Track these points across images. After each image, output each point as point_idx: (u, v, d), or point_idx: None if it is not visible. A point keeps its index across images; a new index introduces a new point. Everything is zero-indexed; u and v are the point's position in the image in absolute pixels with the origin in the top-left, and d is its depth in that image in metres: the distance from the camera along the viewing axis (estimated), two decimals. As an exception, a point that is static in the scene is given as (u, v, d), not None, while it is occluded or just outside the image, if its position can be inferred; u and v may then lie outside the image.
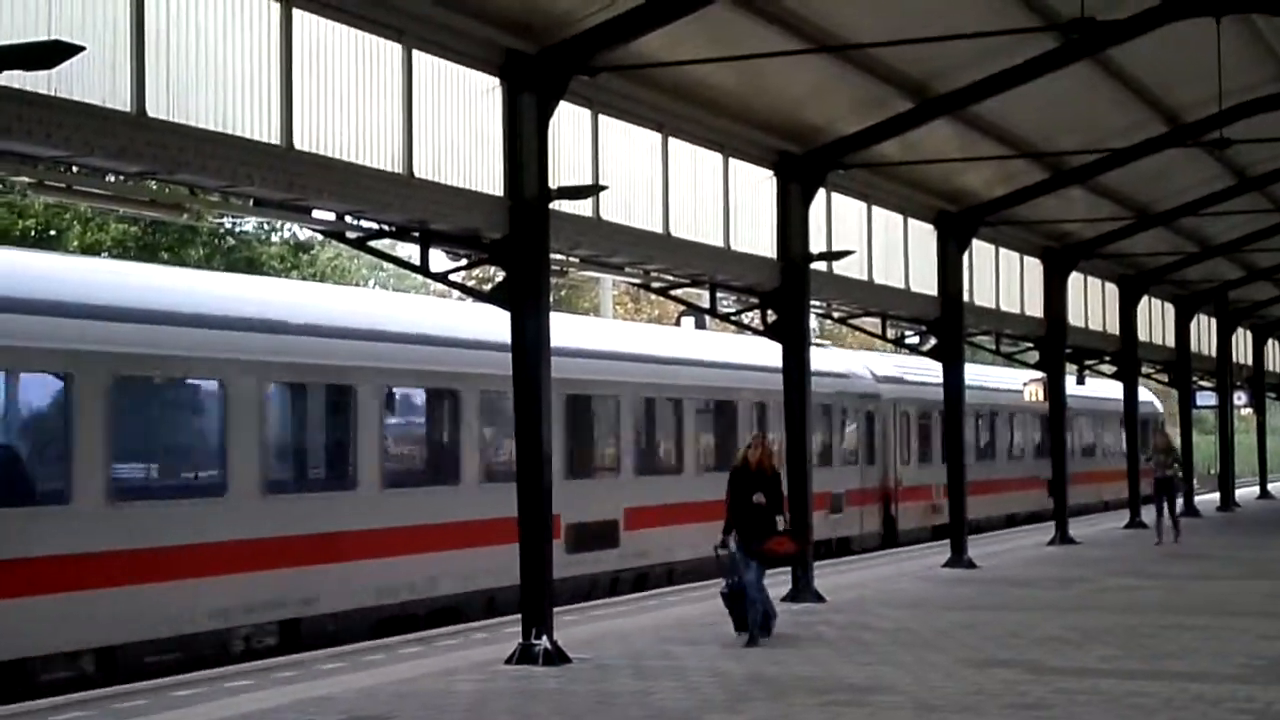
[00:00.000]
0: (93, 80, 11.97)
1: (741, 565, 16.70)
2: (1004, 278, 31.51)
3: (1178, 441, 38.18)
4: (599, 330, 29.00)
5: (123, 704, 13.28)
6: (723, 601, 16.99)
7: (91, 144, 12.08)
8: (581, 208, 17.57)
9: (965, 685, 13.71)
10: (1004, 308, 31.48)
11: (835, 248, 23.21)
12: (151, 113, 12.44)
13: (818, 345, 31.59)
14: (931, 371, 30.75)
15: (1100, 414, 48.13)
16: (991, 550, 29.66)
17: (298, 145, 13.86)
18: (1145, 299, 39.50)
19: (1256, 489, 54.60)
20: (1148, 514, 33.88)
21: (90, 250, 34.72)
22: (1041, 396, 37.63)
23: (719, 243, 20.81)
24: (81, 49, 11.26)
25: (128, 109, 12.28)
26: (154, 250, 36.60)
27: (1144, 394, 50.03)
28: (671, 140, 19.68)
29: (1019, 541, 33.02)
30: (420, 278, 17.94)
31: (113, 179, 14.08)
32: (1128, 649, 16.05)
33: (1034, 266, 32.86)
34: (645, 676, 14.43)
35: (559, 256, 18.10)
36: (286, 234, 43.38)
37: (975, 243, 28.58)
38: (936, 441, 34.62)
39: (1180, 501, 34.52)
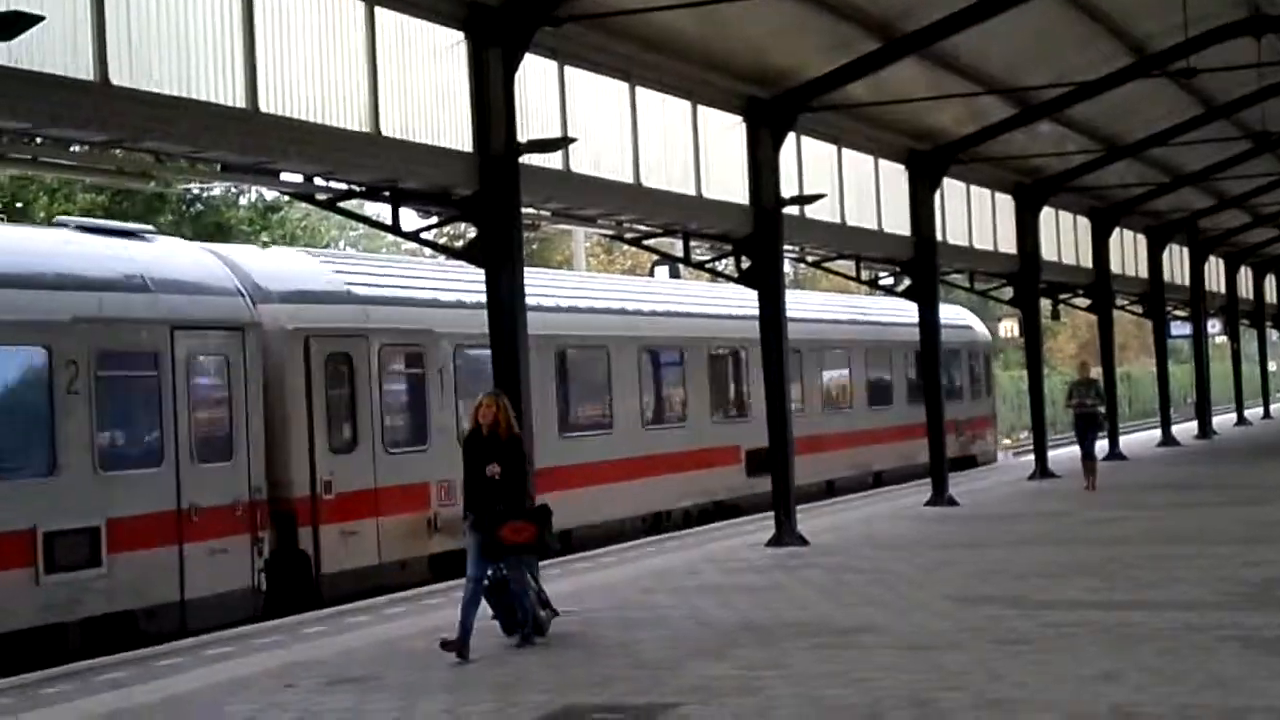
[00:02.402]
0: (54, 50, 11.86)
1: (472, 554, 13.74)
2: (976, 215, 31.50)
3: (1096, 372, 32.94)
4: None
5: (104, 675, 13.25)
6: (483, 597, 13.80)
7: (55, 115, 11.99)
8: (551, 161, 17.49)
9: (952, 623, 13.75)
10: (977, 245, 31.48)
11: (807, 191, 23.16)
12: (115, 81, 12.33)
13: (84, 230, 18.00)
14: (417, 275, 22.45)
15: (880, 346, 35.46)
16: (972, 488, 29.76)
17: (263, 108, 13.76)
18: (1117, 231, 39.54)
19: (1233, 416, 54.87)
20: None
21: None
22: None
23: (690, 191, 20.75)
24: (41, 19, 11.16)
25: (90, 78, 12.17)
26: (123, 219, 36.34)
27: (957, 314, 40.12)
28: (639, 89, 19.59)
29: (999, 478, 33.11)
30: (392, 236, 17.95)
31: (78, 149, 13.96)
32: (1112, 580, 16.10)
33: (1005, 203, 32.84)
34: (632, 627, 14.43)
35: (530, 210, 18.04)
36: (254, 196, 43.17)
37: (946, 181, 28.54)
38: (433, 406, 20.89)
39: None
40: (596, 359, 24.50)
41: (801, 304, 31.55)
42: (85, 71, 12.15)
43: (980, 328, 41.27)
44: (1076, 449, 28.80)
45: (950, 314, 38.73)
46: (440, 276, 22.79)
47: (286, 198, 36.58)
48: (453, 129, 16.02)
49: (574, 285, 26.51)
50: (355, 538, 19.04)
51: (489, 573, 13.66)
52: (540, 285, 23.33)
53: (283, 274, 19.55)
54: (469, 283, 22.65)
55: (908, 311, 35.39)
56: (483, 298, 21.05)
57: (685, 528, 24.81)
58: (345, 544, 18.89)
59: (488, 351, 21.45)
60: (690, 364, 27.56)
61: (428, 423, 20.71)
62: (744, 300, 29.51)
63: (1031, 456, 33.80)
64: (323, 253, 22.96)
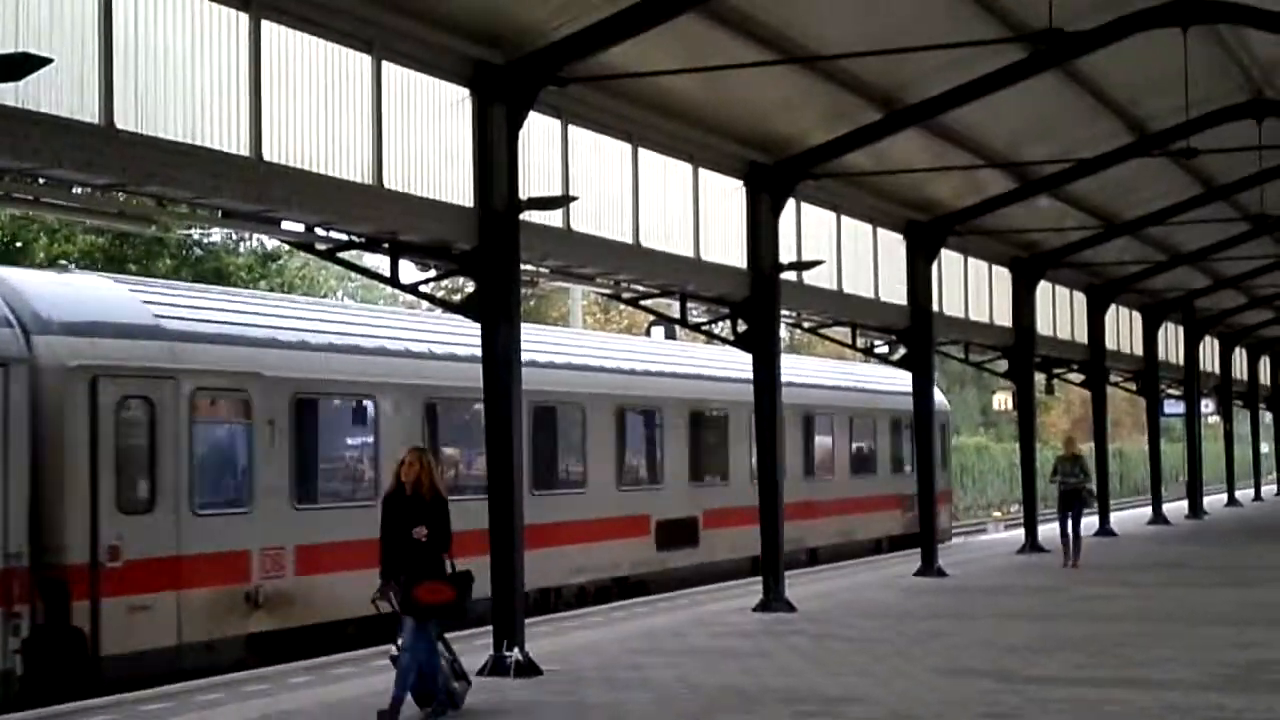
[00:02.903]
0: (61, 92, 11.91)
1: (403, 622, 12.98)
2: (973, 287, 31.58)
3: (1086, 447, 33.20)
4: None
5: (88, 719, 13.19)
6: (393, 666, 13.15)
7: (59, 156, 12.01)
8: (552, 218, 17.56)
9: (938, 695, 13.71)
10: (973, 317, 31.55)
11: (805, 258, 23.23)
12: (120, 125, 12.37)
13: None
14: (250, 311, 19.44)
15: (818, 411, 32.57)
16: (961, 559, 29.70)
17: (267, 157, 13.80)
18: (1113, 308, 39.66)
19: (1224, 496, 54.85)
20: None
21: (57, 262, 34.57)
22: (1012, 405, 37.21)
23: (689, 253, 20.81)
24: (49, 61, 11.22)
25: (96, 121, 12.21)
26: (121, 262, 36.44)
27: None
28: (641, 150, 19.67)
29: (989, 550, 33.05)
30: (389, 288, 17.92)
31: (80, 191, 14.01)
32: (1099, 657, 16.07)
33: (1002, 276, 32.93)
34: (617, 688, 14.40)
35: (529, 267, 18.08)
36: (254, 244, 43.29)
37: (944, 252, 28.65)
38: (260, 461, 18.16)
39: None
40: (471, 414, 20.57)
41: (731, 362, 28.02)
42: (91, 115, 12.20)
43: (937, 395, 37.73)
44: (1053, 526, 28.59)
45: (904, 379, 35.62)
46: (280, 313, 20.01)
47: (287, 246, 36.67)
48: (455, 184, 16.08)
49: (450, 330, 22.04)
50: (147, 613, 16.23)
51: (398, 642, 12.91)
52: (411, 327, 21.63)
53: (71, 302, 16.76)
54: (317, 321, 20.29)
55: (851, 374, 34.87)
56: (333, 339, 19.79)
57: (582, 606, 22.31)
58: (134, 621, 16.07)
59: (336, 401, 19.78)
60: (593, 424, 24.74)
61: (252, 481, 17.97)
62: (662, 355, 28.50)
63: (1020, 530, 33.75)
64: (131, 280, 20.24)
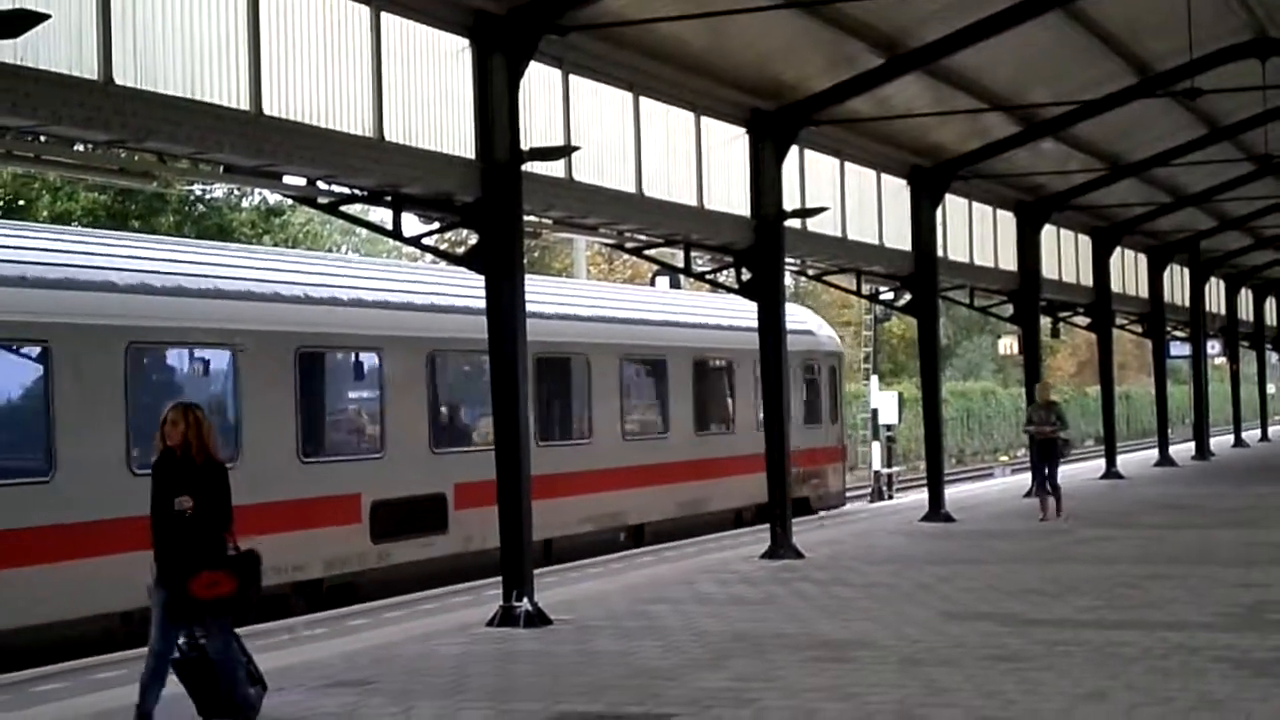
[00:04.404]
0: (59, 48, 11.87)
1: (156, 617, 10.51)
2: (977, 231, 31.51)
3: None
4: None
5: (94, 675, 13.25)
6: (174, 671, 10.69)
7: (59, 113, 11.99)
8: (554, 169, 17.52)
9: (945, 639, 13.76)
10: (978, 261, 31.49)
11: (809, 204, 23.17)
12: (119, 80, 12.34)
13: None
14: None
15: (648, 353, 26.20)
16: (967, 504, 29.76)
17: (267, 111, 13.77)
18: (1118, 250, 39.58)
19: (1231, 437, 54.87)
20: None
21: (61, 220, 34.56)
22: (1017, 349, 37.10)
23: (692, 202, 20.77)
24: (47, 17, 11.17)
25: (95, 77, 12.18)
26: (124, 219, 36.43)
27: (795, 314, 29.49)
28: (643, 99, 19.61)
29: (996, 495, 33.09)
30: (392, 241, 17.86)
31: (81, 148, 13.98)
32: (1106, 599, 16.12)
33: (1007, 220, 32.86)
34: (626, 636, 14.46)
35: (532, 218, 18.06)
36: (257, 199, 43.25)
37: (948, 197, 28.56)
38: None
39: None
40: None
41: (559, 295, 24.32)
42: (90, 71, 12.17)
43: (826, 333, 32.49)
44: (1066, 468, 28.33)
45: (797, 321, 30.26)
46: None
47: (289, 201, 36.65)
48: (456, 135, 16.04)
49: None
50: None
51: (180, 641, 10.58)
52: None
53: None
54: None
55: (696, 308, 29.09)
56: None
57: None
58: None
59: None
60: (253, 367, 17.67)
61: None
62: (393, 283, 20.75)
63: (1027, 475, 33.77)
64: None
